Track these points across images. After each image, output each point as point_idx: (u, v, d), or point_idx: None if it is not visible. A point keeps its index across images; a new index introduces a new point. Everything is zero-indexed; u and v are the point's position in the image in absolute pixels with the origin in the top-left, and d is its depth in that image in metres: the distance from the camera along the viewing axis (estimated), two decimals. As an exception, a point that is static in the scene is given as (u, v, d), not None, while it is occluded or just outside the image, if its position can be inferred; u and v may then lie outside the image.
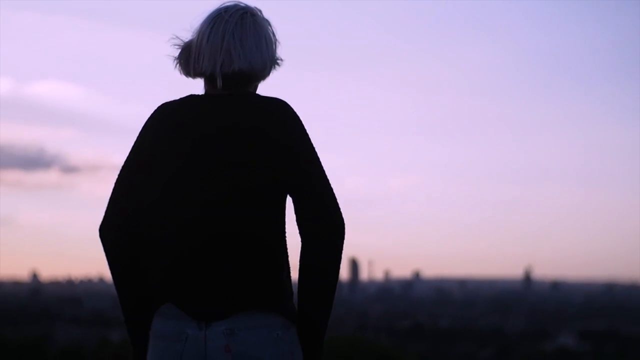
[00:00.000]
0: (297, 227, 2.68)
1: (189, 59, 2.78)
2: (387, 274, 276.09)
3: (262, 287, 2.64)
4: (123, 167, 2.77)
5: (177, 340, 2.64)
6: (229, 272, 2.64)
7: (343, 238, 2.66)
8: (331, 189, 2.68)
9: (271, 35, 2.81)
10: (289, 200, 2.74)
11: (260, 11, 2.80)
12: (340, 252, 2.66)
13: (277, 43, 2.82)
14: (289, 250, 2.75)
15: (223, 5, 2.79)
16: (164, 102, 2.81)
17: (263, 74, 2.80)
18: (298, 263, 2.69)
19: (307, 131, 2.73)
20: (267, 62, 2.78)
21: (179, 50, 2.80)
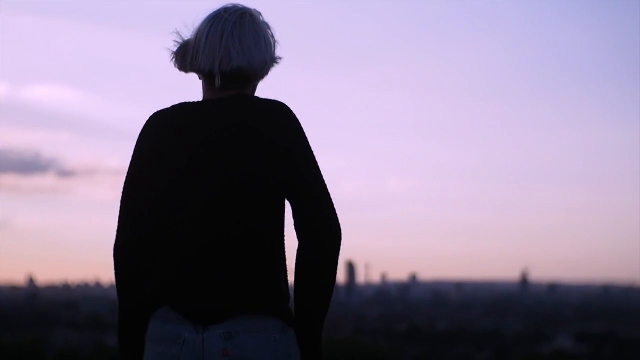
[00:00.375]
0: (294, 230, 2.70)
1: (186, 55, 2.80)
2: (384, 277, 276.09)
3: (260, 290, 2.64)
4: (126, 183, 2.78)
5: (175, 344, 2.63)
6: (226, 275, 2.64)
7: (340, 243, 2.68)
8: (329, 194, 2.70)
9: (270, 37, 2.83)
10: (288, 203, 2.75)
11: (260, 14, 2.83)
12: (337, 257, 2.68)
13: (277, 44, 2.84)
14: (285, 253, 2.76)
15: (223, 6, 2.81)
16: (155, 111, 2.82)
17: (262, 73, 2.81)
18: (294, 266, 2.71)
19: (306, 135, 2.74)
20: (266, 61, 2.79)
21: (177, 46, 2.82)
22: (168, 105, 2.86)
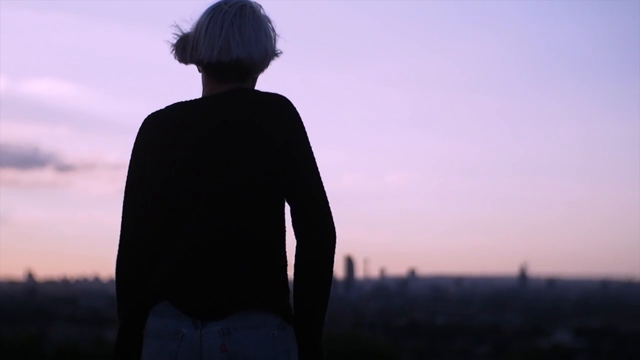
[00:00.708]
0: (292, 228, 2.72)
1: (186, 46, 2.80)
2: (382, 271, 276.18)
3: (259, 287, 2.64)
4: (128, 186, 2.77)
5: (173, 339, 2.63)
6: (226, 272, 2.64)
7: (335, 243, 2.71)
8: (325, 194, 2.71)
9: (270, 30, 2.82)
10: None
11: (261, 7, 2.82)
12: (333, 255, 2.70)
13: (277, 37, 2.84)
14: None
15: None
16: (150, 112, 2.81)
17: (262, 65, 2.81)
18: (293, 263, 2.72)
19: (306, 131, 2.75)
20: (266, 53, 2.79)
21: (177, 39, 2.82)
22: (167, 100, 2.85)
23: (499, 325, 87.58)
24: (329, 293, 2.69)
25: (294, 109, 2.72)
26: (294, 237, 2.73)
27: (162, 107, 2.82)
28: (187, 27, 2.83)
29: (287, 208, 2.75)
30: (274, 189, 2.68)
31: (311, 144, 2.74)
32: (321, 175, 2.75)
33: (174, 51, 2.82)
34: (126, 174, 2.78)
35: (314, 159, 2.71)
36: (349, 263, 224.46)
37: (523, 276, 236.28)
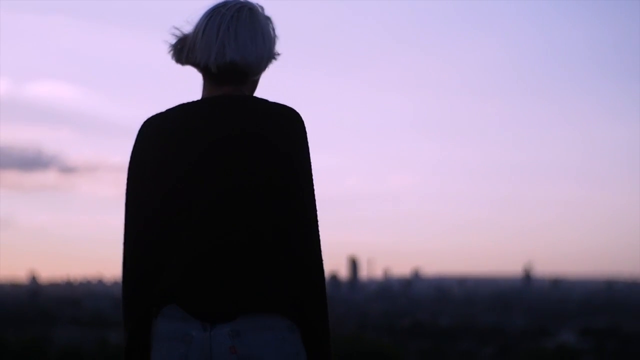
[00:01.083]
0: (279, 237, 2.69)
1: (183, 48, 2.80)
2: (386, 272, 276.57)
3: (268, 289, 2.62)
4: (130, 190, 2.74)
5: (182, 342, 2.61)
6: (234, 274, 2.62)
7: (324, 276, 2.68)
8: (316, 218, 2.68)
9: (270, 30, 2.81)
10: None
11: (261, 8, 2.81)
12: (323, 283, 2.67)
13: (276, 39, 2.82)
14: None
15: (223, 0, 2.80)
16: (150, 115, 2.79)
17: (258, 68, 2.79)
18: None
19: (309, 147, 2.74)
20: (261, 56, 2.77)
21: (176, 39, 2.82)
22: (170, 103, 2.83)
23: (503, 326, 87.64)
24: (326, 301, 2.67)
25: (302, 123, 2.72)
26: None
27: (162, 110, 2.81)
28: (187, 28, 2.82)
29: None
30: (277, 197, 2.65)
31: (311, 159, 2.73)
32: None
33: (171, 52, 2.82)
34: (126, 178, 2.77)
35: (311, 175, 2.71)
36: (353, 264, 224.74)
37: (527, 276, 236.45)
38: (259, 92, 2.89)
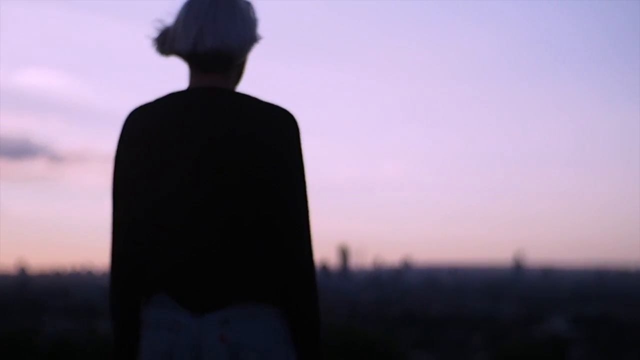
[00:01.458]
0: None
1: (165, 39, 2.79)
2: (377, 260, 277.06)
3: (257, 278, 2.62)
4: (119, 182, 2.70)
5: (171, 330, 2.61)
6: (224, 264, 2.62)
7: (314, 276, 2.67)
8: (308, 219, 2.68)
9: (250, 14, 2.79)
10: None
11: None
12: (314, 278, 2.66)
13: (257, 22, 2.80)
14: None
15: None
16: (136, 106, 2.75)
17: (241, 52, 2.76)
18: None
19: (303, 149, 2.75)
20: (242, 40, 2.75)
21: (158, 33, 2.80)
22: (159, 92, 2.78)
23: (494, 314, 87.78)
24: (317, 291, 2.66)
25: (296, 124, 2.71)
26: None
27: (150, 99, 2.78)
28: (169, 20, 2.81)
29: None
30: (268, 194, 2.64)
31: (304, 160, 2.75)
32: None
33: (155, 45, 2.81)
34: (112, 170, 2.75)
35: (304, 175, 2.70)
36: (344, 253, 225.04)
37: (518, 265, 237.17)
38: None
